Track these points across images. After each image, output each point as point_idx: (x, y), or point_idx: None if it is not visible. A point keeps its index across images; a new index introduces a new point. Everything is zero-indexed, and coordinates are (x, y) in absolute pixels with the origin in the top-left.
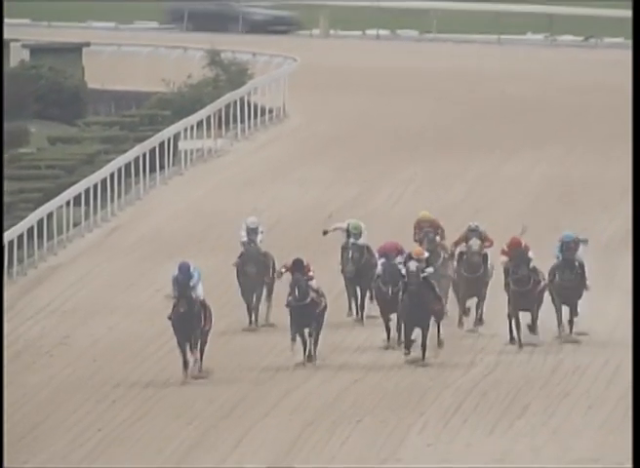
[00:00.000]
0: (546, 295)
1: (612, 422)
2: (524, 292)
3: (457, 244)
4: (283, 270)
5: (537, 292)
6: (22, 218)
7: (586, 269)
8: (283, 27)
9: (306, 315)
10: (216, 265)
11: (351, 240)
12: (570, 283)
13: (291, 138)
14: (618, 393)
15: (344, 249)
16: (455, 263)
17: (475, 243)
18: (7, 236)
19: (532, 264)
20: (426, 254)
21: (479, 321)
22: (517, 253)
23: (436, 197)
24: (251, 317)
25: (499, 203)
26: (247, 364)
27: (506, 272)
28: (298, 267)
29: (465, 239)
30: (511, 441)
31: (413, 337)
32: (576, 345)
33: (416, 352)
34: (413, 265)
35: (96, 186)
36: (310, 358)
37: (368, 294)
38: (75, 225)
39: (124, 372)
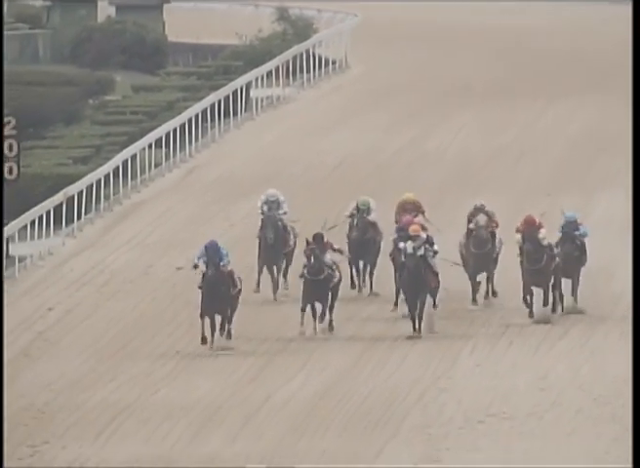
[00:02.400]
0: None
1: None
2: (537, 270)
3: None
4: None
5: (550, 270)
6: (109, 159)
7: (587, 246)
8: None
9: (319, 290)
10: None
11: (359, 214)
12: (570, 256)
13: (352, 87)
14: None
15: (351, 225)
16: (463, 240)
17: (482, 218)
18: (95, 175)
19: (546, 241)
20: (424, 234)
21: (492, 294)
22: (529, 232)
23: (484, 142)
24: (259, 282)
25: (541, 148)
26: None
27: (520, 250)
28: (317, 241)
29: (472, 216)
30: (553, 361)
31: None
32: None
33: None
34: (410, 247)
35: (175, 130)
36: (331, 327)
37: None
38: (156, 166)
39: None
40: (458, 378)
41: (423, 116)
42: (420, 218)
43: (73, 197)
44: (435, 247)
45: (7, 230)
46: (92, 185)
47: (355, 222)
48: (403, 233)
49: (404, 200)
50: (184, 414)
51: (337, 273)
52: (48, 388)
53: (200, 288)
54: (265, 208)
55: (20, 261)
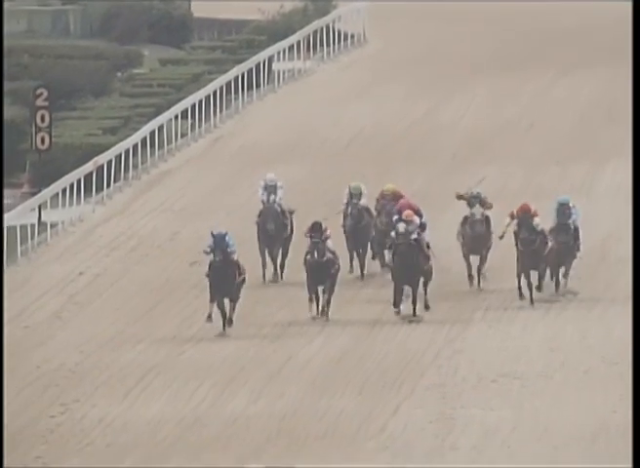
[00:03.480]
0: None
1: None
2: (530, 253)
3: (459, 197)
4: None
5: (544, 253)
6: (137, 130)
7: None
8: None
9: (322, 273)
10: (304, 172)
11: (353, 200)
12: (564, 245)
13: (370, 61)
14: None
15: (345, 213)
16: (459, 226)
17: (477, 211)
18: (124, 145)
19: (540, 227)
20: (417, 219)
21: (483, 276)
22: (523, 217)
23: (495, 113)
24: (265, 272)
25: (550, 119)
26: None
27: (515, 234)
28: (316, 230)
29: (468, 204)
30: (562, 323)
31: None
32: None
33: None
34: (402, 227)
35: (200, 102)
36: (324, 311)
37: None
38: (182, 136)
39: None
40: (471, 340)
41: (438, 88)
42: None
43: (103, 166)
44: (426, 235)
45: (40, 197)
46: (120, 155)
47: (350, 210)
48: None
49: (384, 190)
50: (209, 375)
51: (337, 260)
52: (78, 349)
53: (207, 276)
54: (265, 196)
55: (52, 227)
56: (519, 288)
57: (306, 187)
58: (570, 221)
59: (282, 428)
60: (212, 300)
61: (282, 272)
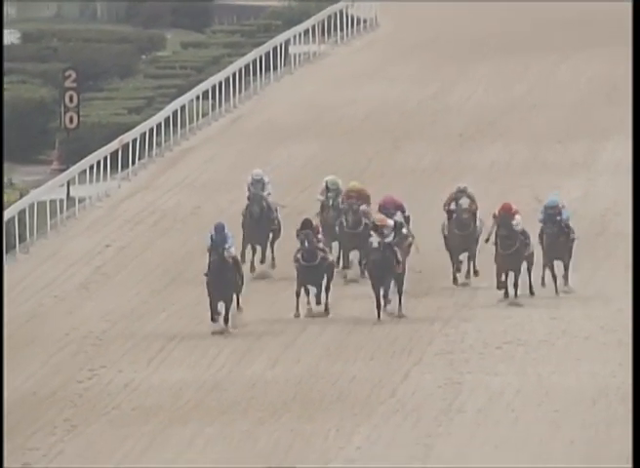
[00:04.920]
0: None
1: None
2: (509, 254)
3: (446, 204)
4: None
5: (523, 254)
6: (160, 110)
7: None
8: None
9: (313, 274)
10: (319, 149)
11: (330, 194)
12: (555, 239)
13: (381, 44)
14: None
15: (324, 205)
16: (446, 222)
17: (465, 201)
18: (148, 124)
19: (520, 227)
20: (390, 222)
21: (473, 273)
22: (503, 217)
23: (501, 93)
24: (253, 261)
25: (553, 99)
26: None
27: (495, 234)
28: (307, 226)
29: (454, 199)
30: (563, 297)
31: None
32: None
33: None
34: (375, 241)
35: (220, 83)
36: (327, 310)
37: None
38: (204, 115)
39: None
40: (477, 309)
41: (446, 70)
42: (364, 207)
43: (128, 144)
44: (404, 230)
45: (68, 174)
46: (145, 133)
47: (330, 203)
48: (386, 210)
49: (349, 189)
50: (228, 343)
51: (329, 256)
52: (105, 318)
53: (205, 275)
54: (252, 188)
55: (79, 202)
56: (500, 287)
57: (320, 163)
58: (558, 218)
59: (298, 392)
60: (211, 301)
61: (272, 259)
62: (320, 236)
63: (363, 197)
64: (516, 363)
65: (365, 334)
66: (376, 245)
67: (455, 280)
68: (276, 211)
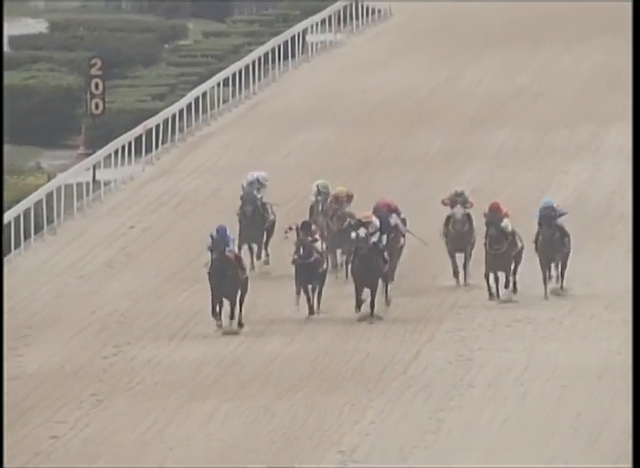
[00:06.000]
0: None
1: None
2: (497, 254)
3: (444, 203)
4: (293, 227)
5: (511, 255)
6: (183, 96)
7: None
8: None
9: (310, 272)
10: (334, 134)
11: (319, 197)
12: (550, 240)
13: (395, 33)
14: None
15: (313, 208)
16: (443, 226)
17: (459, 211)
18: (170, 110)
19: (510, 228)
20: (376, 220)
21: (468, 275)
22: (492, 217)
23: (508, 81)
24: (252, 261)
25: (558, 86)
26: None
27: (485, 234)
28: (305, 229)
29: (452, 202)
30: (570, 273)
31: (363, 297)
32: None
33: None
34: (362, 231)
35: (240, 71)
36: (312, 310)
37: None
38: (224, 102)
39: None
40: (487, 288)
41: (456, 58)
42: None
43: (151, 129)
44: (406, 229)
45: (94, 158)
46: (168, 119)
47: (320, 207)
48: (380, 213)
49: (337, 193)
50: (246, 321)
51: (324, 259)
52: (129, 296)
53: (208, 274)
54: (246, 188)
55: (105, 185)
56: (489, 289)
57: (334, 148)
58: (553, 221)
59: (314, 369)
60: (213, 301)
61: (265, 256)
62: (317, 237)
63: (350, 199)
64: (525, 340)
65: (378, 313)
66: (363, 234)
67: (455, 275)
68: (271, 210)
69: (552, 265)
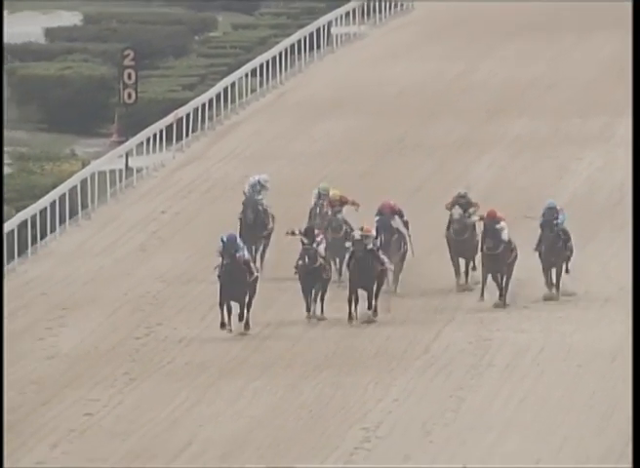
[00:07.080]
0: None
1: None
2: (493, 257)
3: (448, 207)
4: (296, 232)
5: (507, 259)
6: (212, 86)
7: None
8: None
9: (314, 277)
10: (358, 122)
11: (321, 201)
12: (553, 246)
13: (415, 25)
14: None
15: (312, 213)
16: (446, 230)
17: (456, 212)
18: (200, 100)
19: (505, 233)
20: (374, 232)
21: (472, 268)
22: (489, 223)
23: (523, 72)
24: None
25: (571, 77)
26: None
27: (481, 240)
28: (308, 236)
29: (453, 204)
30: (585, 258)
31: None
32: None
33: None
34: (357, 234)
35: (267, 62)
36: (313, 314)
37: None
38: (252, 91)
39: (289, 204)
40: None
41: (473, 50)
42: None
43: (182, 118)
44: (409, 232)
45: (127, 146)
46: (197, 108)
47: (318, 211)
48: (383, 215)
49: (331, 198)
50: (272, 303)
51: (328, 266)
52: (160, 279)
53: (218, 277)
54: (247, 192)
55: (137, 172)
56: (482, 292)
57: (357, 136)
58: (555, 222)
59: (338, 349)
60: (221, 304)
61: (261, 265)
62: (319, 241)
63: (343, 202)
64: (541, 321)
65: (396, 298)
66: (358, 237)
67: (457, 275)
68: (272, 218)
69: (553, 270)
